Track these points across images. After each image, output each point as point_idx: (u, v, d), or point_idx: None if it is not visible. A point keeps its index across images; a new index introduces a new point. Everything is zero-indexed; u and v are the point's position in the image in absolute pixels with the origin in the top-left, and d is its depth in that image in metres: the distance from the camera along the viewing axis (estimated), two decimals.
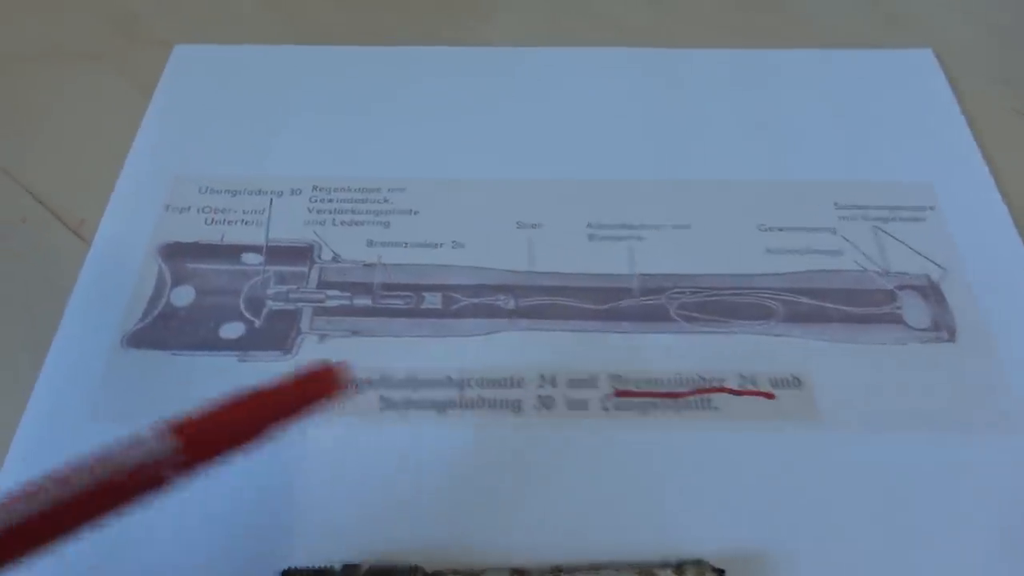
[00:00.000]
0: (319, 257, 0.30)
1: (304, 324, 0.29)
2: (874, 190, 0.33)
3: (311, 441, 0.26)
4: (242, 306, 0.29)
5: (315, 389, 0.20)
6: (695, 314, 0.29)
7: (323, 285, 0.30)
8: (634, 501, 0.25)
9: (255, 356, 0.28)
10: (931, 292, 0.30)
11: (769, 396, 0.27)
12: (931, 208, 0.32)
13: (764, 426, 0.27)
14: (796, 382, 0.27)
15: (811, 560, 0.24)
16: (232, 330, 0.28)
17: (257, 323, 0.29)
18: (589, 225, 0.32)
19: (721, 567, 0.23)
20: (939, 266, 0.31)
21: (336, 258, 0.30)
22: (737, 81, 0.37)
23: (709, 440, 0.26)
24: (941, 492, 0.25)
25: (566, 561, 0.24)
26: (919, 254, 0.31)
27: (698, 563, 0.23)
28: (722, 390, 0.27)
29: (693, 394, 0.27)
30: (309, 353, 0.27)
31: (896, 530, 0.25)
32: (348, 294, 0.29)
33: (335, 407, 0.23)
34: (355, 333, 0.28)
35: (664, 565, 0.23)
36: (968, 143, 0.35)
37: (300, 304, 0.29)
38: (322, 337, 0.28)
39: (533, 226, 0.32)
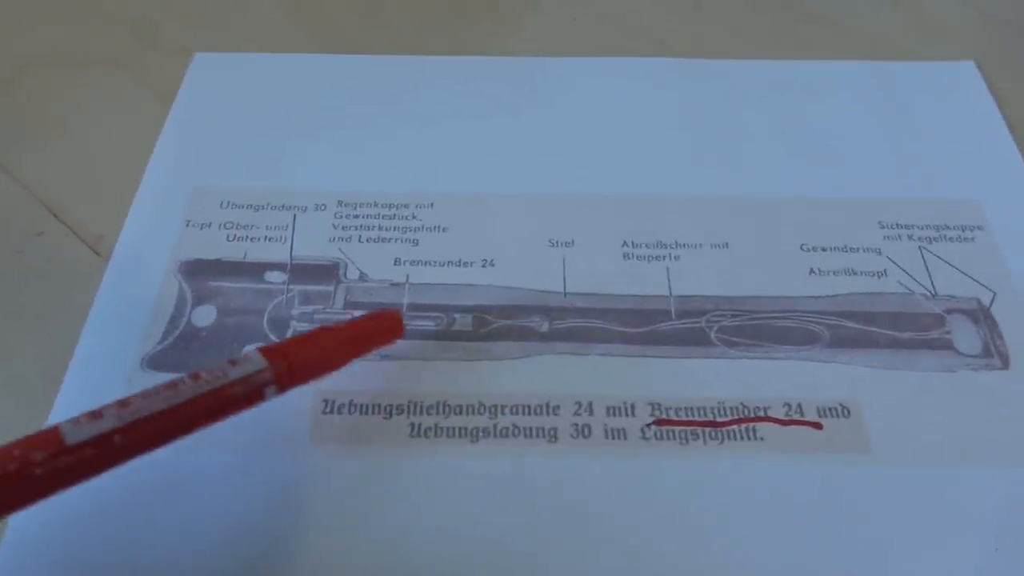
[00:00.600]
0: (345, 276, 0.29)
1: None
2: (919, 208, 0.32)
3: (339, 469, 0.25)
4: (266, 327, 0.28)
5: (382, 328, 0.26)
6: (736, 338, 0.28)
7: (349, 305, 0.29)
8: (675, 535, 0.24)
9: None
10: (981, 316, 0.29)
11: (817, 426, 0.26)
12: (979, 228, 0.31)
13: (812, 458, 0.25)
14: (844, 411, 0.26)
15: None
16: None
17: None
18: (624, 243, 0.31)
19: None
20: (989, 289, 0.29)
21: (363, 277, 0.29)
22: (776, 93, 0.35)
23: (754, 472, 0.25)
24: (996, 528, 0.24)
25: None
26: (968, 276, 0.30)
27: None
28: (767, 419, 0.26)
29: (736, 423, 0.26)
30: (334, 377, 0.26)
31: (949, 568, 0.23)
32: None
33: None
34: (384, 356, 0.27)
35: None
36: (1015, 159, 0.33)
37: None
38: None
39: (566, 244, 0.30)
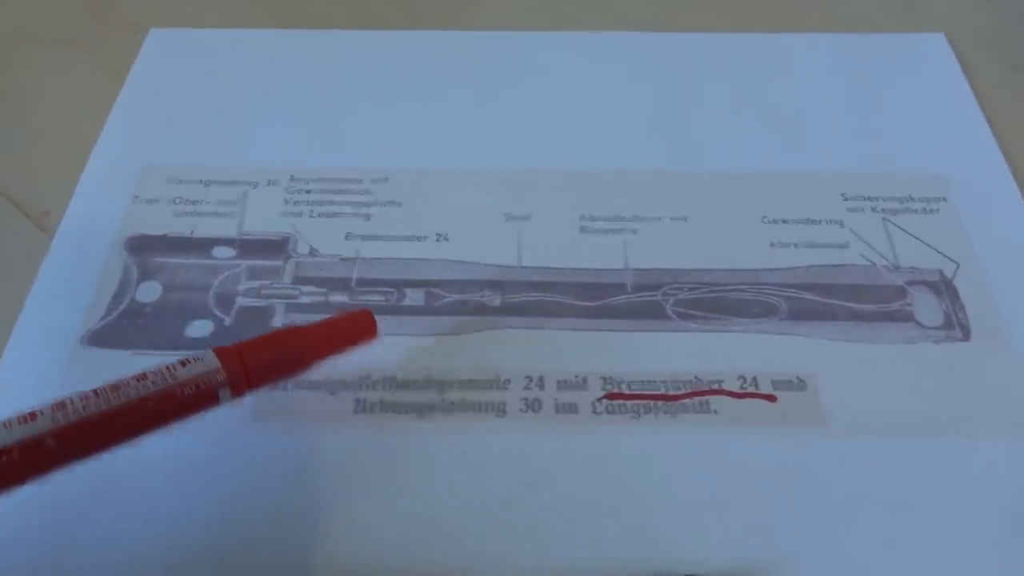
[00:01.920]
0: (295, 251, 0.29)
1: (277, 321, 0.27)
2: (884, 181, 0.31)
3: (278, 444, 0.24)
4: (211, 303, 0.27)
5: (354, 330, 0.24)
6: (692, 311, 0.27)
7: (298, 281, 0.28)
8: (626, 510, 0.23)
9: None
10: (944, 288, 0.28)
11: (771, 399, 0.25)
12: (944, 200, 0.31)
13: (765, 431, 0.25)
14: (800, 384, 0.26)
15: (814, 572, 0.22)
16: (200, 328, 0.27)
17: (227, 320, 0.27)
18: (582, 217, 0.30)
19: None
20: (952, 260, 0.29)
21: (312, 252, 0.29)
22: (739, 66, 0.35)
23: (706, 445, 0.25)
24: (952, 501, 0.24)
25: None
26: (931, 248, 0.29)
27: None
28: (721, 392, 0.26)
29: (689, 396, 0.25)
30: None
31: (904, 541, 0.23)
32: (324, 290, 0.28)
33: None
34: None
35: None
36: (983, 132, 0.33)
37: (273, 301, 0.27)
38: None
39: (522, 218, 0.30)
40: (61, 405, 0.19)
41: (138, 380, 0.20)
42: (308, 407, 0.25)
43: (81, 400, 0.19)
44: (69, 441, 0.18)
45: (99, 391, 0.19)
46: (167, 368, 0.20)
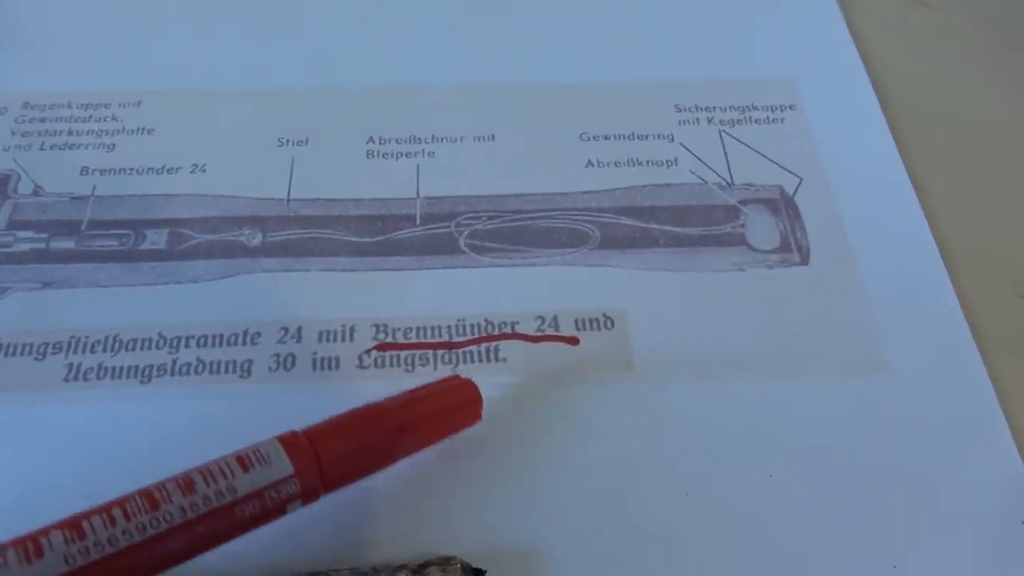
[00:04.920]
0: (15, 191, 0.24)
1: None
2: (723, 89, 0.27)
3: None
4: None
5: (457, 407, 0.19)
6: (489, 243, 0.23)
7: (16, 225, 0.23)
8: (391, 483, 0.19)
9: None
10: (783, 206, 0.24)
11: (572, 341, 0.21)
12: (791, 107, 0.27)
13: (563, 379, 0.21)
14: (607, 323, 0.22)
15: (616, 546, 0.19)
16: None
17: None
18: (370, 140, 0.25)
19: (481, 566, 0.17)
20: (795, 175, 0.25)
21: (37, 191, 0.24)
22: None
23: (491, 400, 0.20)
24: (787, 449, 0.20)
25: (288, 566, 0.18)
26: (772, 161, 0.25)
27: (445, 562, 0.17)
28: (512, 336, 0.21)
29: (473, 343, 0.21)
30: None
31: (734, 501, 0.19)
32: (45, 235, 0.23)
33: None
34: (48, 285, 0.22)
35: (400, 567, 0.17)
36: (840, 32, 0.29)
37: None
38: (2, 291, 0.22)
39: (298, 143, 0.25)
40: (76, 530, 0.13)
41: (184, 491, 0.14)
42: (9, 375, 0.20)
43: (106, 525, 0.14)
44: None
45: (129, 508, 0.14)
46: (221, 469, 0.15)
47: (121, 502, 0.14)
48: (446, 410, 0.19)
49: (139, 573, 0.14)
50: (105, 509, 0.14)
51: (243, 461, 0.15)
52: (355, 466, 0.17)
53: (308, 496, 0.16)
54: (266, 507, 0.15)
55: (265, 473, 0.15)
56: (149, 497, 0.14)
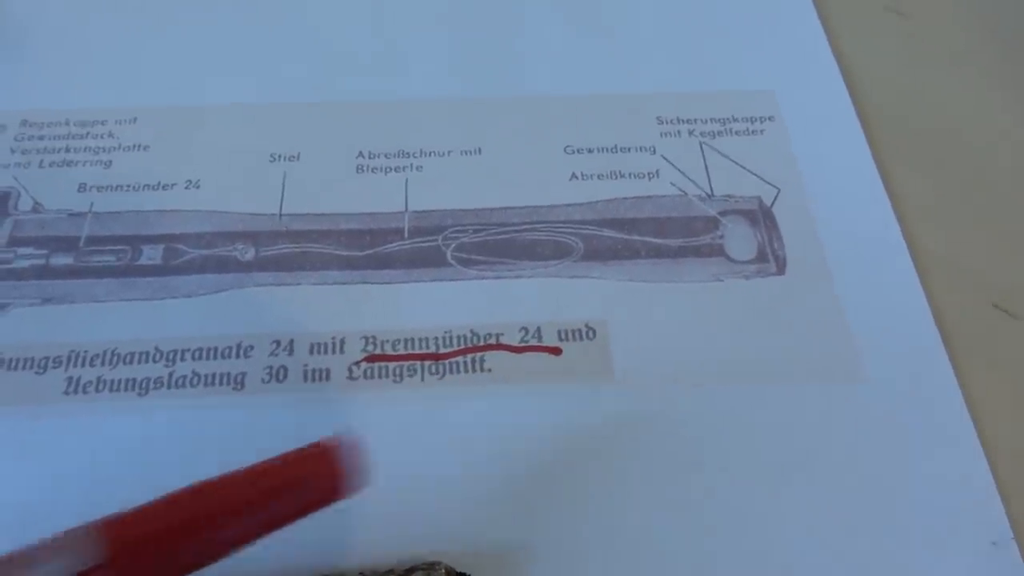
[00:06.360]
0: (16, 207, 0.25)
1: None
2: (704, 101, 0.28)
3: None
4: None
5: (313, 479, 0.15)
6: (475, 256, 0.24)
7: (16, 242, 0.24)
8: (381, 488, 0.20)
9: None
10: (761, 216, 0.25)
11: (555, 352, 0.22)
12: (770, 119, 0.27)
13: (546, 389, 0.22)
14: (589, 333, 0.23)
15: (598, 550, 0.19)
16: None
17: None
18: (359, 155, 0.26)
19: (465, 571, 0.18)
20: (773, 186, 0.26)
21: (37, 207, 0.25)
22: None
23: (477, 411, 0.21)
24: (762, 453, 0.21)
25: (283, 570, 0.19)
26: (751, 173, 0.26)
27: (431, 567, 0.18)
28: (496, 347, 0.22)
29: (461, 354, 0.22)
30: None
31: (710, 505, 0.20)
32: (45, 251, 0.24)
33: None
34: (48, 300, 0.23)
35: (387, 572, 0.18)
36: (820, 44, 0.30)
37: None
38: (3, 307, 0.23)
39: (290, 158, 0.26)
40: None
41: None
42: (11, 390, 0.21)
43: None
44: None
45: None
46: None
47: None
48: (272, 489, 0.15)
49: None
50: None
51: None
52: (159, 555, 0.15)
53: None
54: None
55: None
56: None
